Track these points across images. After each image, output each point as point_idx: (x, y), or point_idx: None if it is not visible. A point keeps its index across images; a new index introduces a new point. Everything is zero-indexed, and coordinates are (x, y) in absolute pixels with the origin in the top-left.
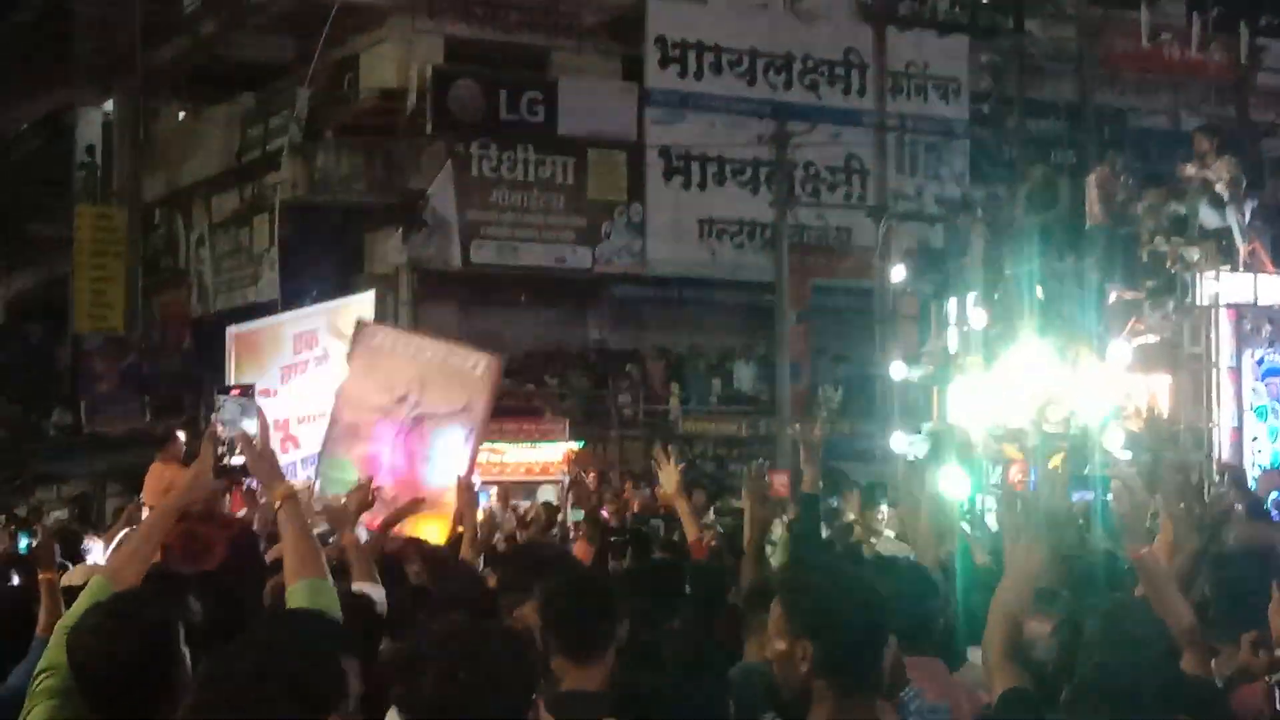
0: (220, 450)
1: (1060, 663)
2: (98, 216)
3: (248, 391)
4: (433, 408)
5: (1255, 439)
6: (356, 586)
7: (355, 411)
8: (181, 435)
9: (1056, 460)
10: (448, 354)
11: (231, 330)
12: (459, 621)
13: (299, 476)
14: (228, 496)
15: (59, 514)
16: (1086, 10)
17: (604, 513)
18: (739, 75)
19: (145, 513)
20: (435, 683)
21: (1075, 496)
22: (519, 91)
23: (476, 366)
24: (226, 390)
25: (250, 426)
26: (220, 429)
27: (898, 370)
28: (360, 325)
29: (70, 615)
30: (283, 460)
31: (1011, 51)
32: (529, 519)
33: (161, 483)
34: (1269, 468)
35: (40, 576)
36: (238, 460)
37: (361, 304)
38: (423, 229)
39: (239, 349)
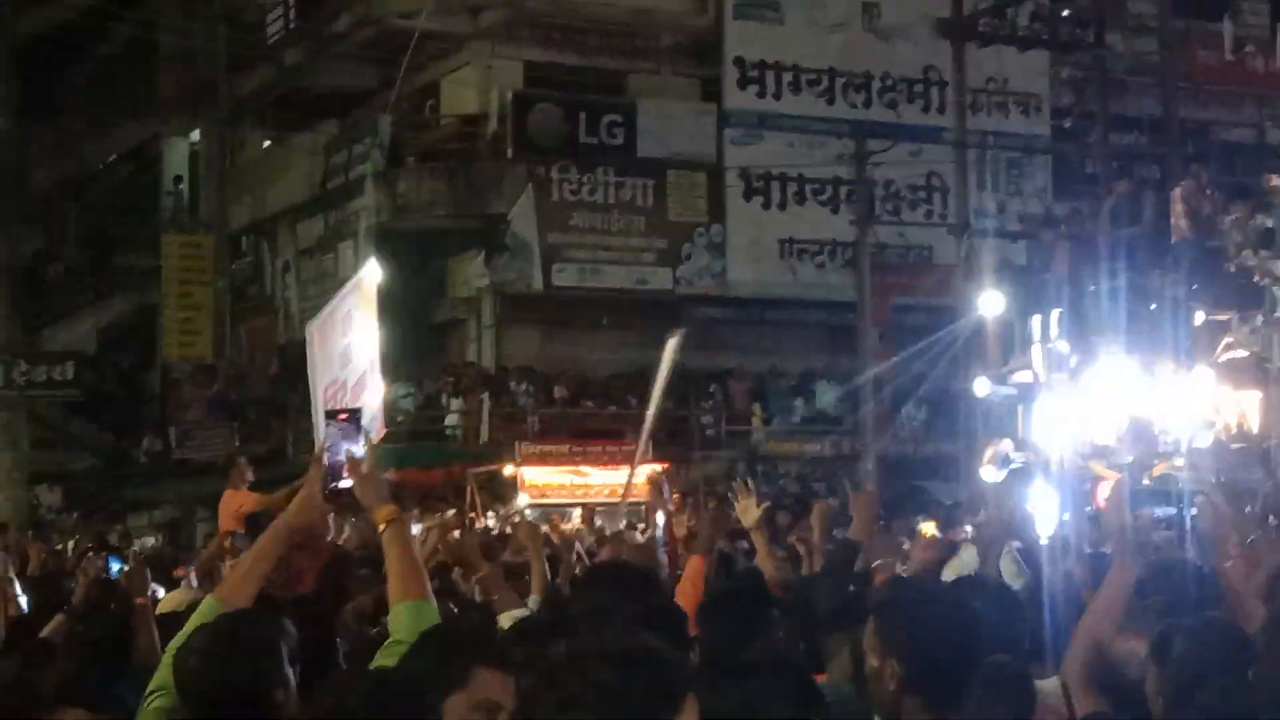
0: (325, 473)
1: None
2: (185, 245)
3: (353, 416)
4: None
5: None
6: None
7: None
8: (244, 461)
9: (1111, 475)
10: None
11: (311, 326)
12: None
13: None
14: (331, 518)
15: (149, 540)
16: (1169, 22)
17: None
18: (818, 94)
19: (228, 542)
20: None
21: (1159, 512)
22: (598, 114)
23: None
24: (333, 415)
25: (356, 450)
26: (326, 453)
27: (982, 387)
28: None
29: (180, 636)
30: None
31: (1093, 66)
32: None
33: (233, 509)
34: None
35: (135, 602)
36: (345, 483)
37: (371, 270)
38: (504, 252)
39: (313, 344)
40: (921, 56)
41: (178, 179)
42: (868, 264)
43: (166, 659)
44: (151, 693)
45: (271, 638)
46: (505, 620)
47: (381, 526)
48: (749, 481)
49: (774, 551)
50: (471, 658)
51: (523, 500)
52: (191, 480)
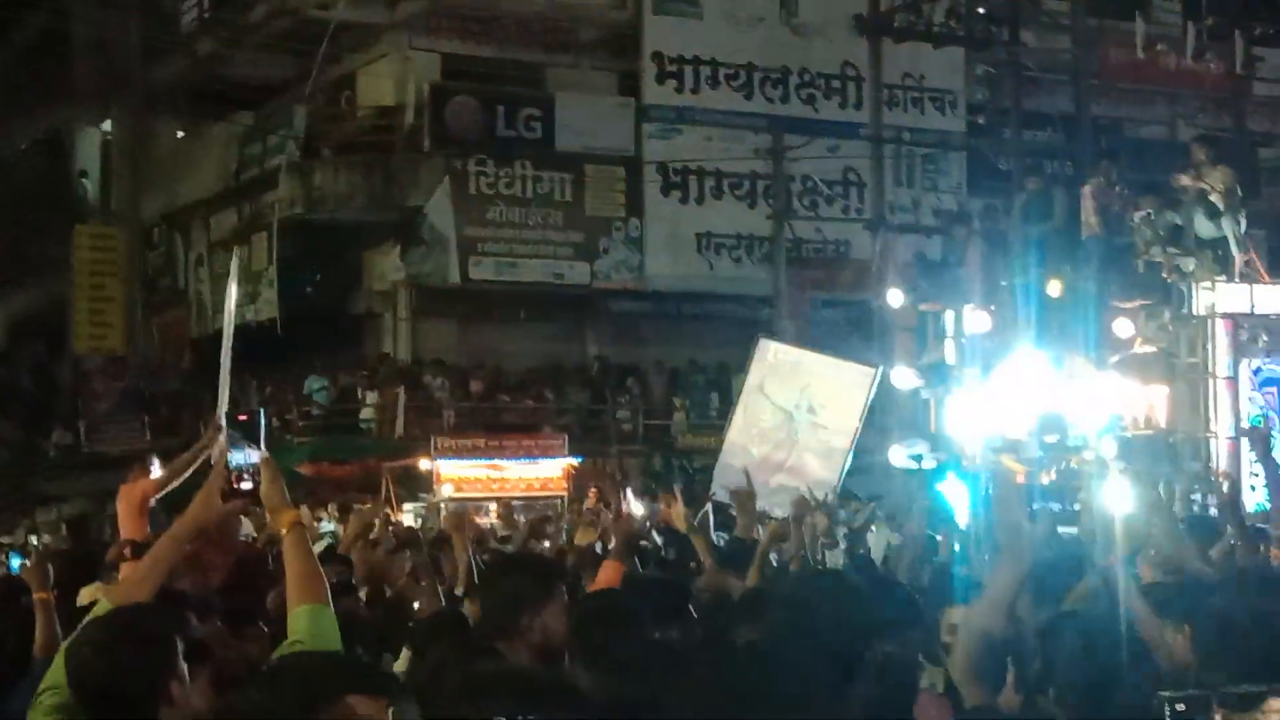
0: (228, 474)
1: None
2: (96, 236)
3: (253, 418)
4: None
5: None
6: None
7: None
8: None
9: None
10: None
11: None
12: None
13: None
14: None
15: (47, 538)
16: (1082, 20)
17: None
18: (736, 89)
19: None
20: None
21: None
22: (516, 108)
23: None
24: (234, 418)
25: (255, 454)
26: (228, 454)
27: (901, 379)
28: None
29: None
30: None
31: (1006, 63)
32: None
33: (134, 500)
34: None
35: (35, 597)
36: (247, 485)
37: (262, 240)
38: (421, 246)
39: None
40: (839, 52)
41: (83, 173)
42: (784, 258)
43: (59, 657)
44: (43, 690)
45: (165, 631)
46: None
47: (284, 530)
48: (675, 488)
49: (713, 553)
50: (340, 687)
51: (447, 490)
52: (102, 474)
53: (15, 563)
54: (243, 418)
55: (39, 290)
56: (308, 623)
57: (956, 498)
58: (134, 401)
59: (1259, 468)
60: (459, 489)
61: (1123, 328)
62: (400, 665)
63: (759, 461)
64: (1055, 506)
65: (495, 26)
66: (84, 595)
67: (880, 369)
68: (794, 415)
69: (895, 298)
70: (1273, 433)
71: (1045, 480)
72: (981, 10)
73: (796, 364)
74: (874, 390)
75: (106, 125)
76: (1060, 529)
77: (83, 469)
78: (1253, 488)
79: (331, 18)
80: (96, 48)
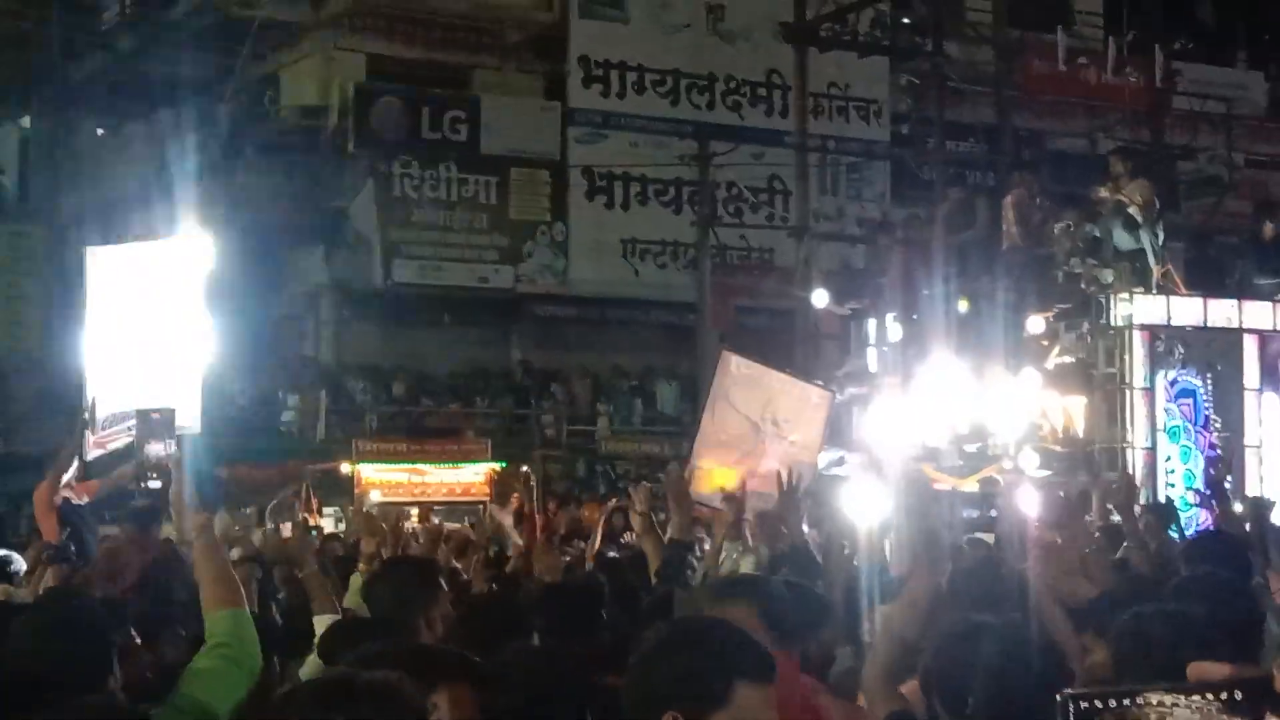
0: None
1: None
2: (13, 235)
3: (165, 415)
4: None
5: (1169, 459)
6: None
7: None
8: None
9: (933, 475)
10: (789, 385)
11: (90, 249)
12: None
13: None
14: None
15: None
16: (1004, 32)
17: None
18: (662, 95)
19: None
20: None
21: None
22: (441, 109)
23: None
24: (147, 413)
25: (164, 449)
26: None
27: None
28: (722, 356)
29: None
30: (126, 399)
31: (930, 73)
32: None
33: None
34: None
35: None
36: (154, 484)
37: (196, 246)
38: (344, 248)
39: (97, 270)
40: (765, 60)
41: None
42: (709, 265)
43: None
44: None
45: (105, 623)
46: (319, 624)
47: (194, 534)
48: (643, 487)
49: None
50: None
51: (375, 496)
52: (20, 475)
53: None
54: (156, 415)
55: None
56: (230, 625)
57: (868, 503)
58: (51, 402)
59: (1174, 479)
60: (384, 494)
61: (1035, 324)
62: (308, 671)
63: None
64: (974, 513)
65: (421, 27)
66: None
67: (835, 394)
68: (760, 427)
69: (820, 298)
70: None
71: (964, 488)
72: (906, 21)
73: (758, 379)
74: (830, 413)
75: (25, 122)
76: (978, 535)
77: (0, 470)
78: (1170, 485)
79: (255, 16)
80: (15, 42)
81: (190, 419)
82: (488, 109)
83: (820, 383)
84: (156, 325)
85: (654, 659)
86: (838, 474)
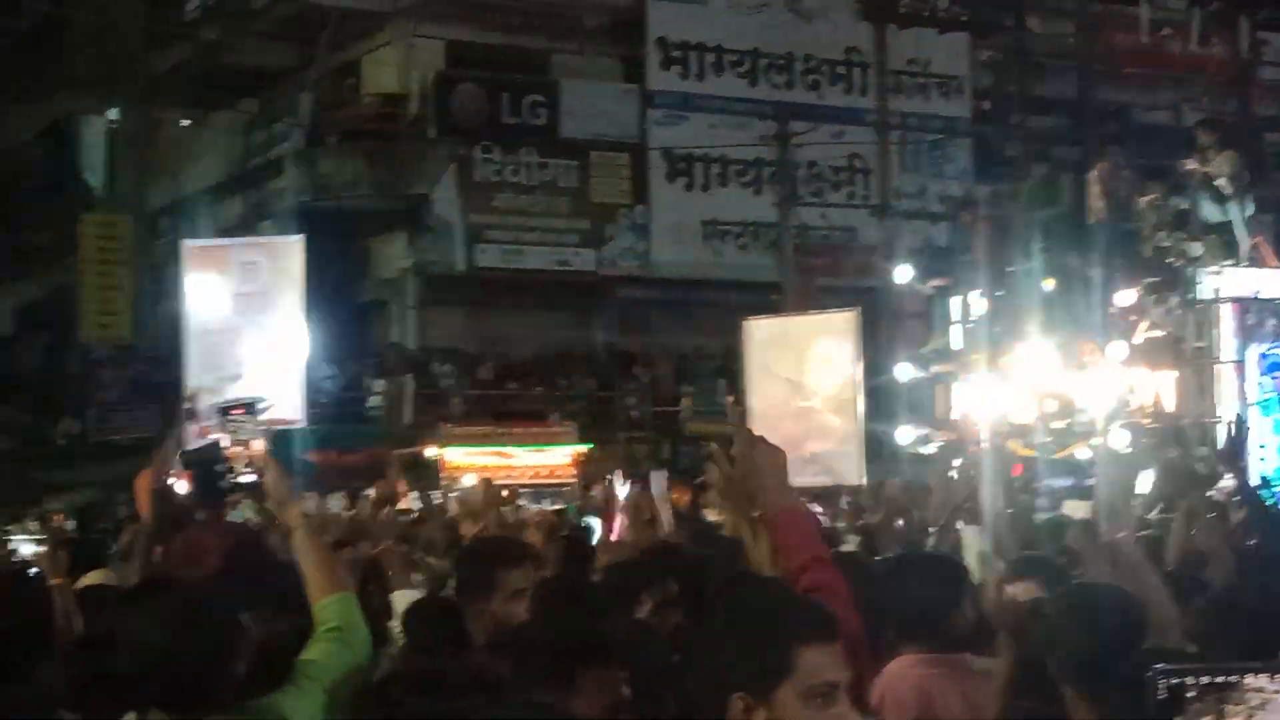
0: (221, 468)
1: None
2: (102, 225)
3: (248, 409)
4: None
5: (1260, 433)
6: None
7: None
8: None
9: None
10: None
11: (187, 243)
12: None
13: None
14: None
15: (55, 526)
16: (1087, 5)
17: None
18: (740, 75)
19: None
20: None
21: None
22: (521, 94)
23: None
24: (227, 409)
25: (257, 444)
26: (226, 444)
27: (903, 371)
28: (744, 328)
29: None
30: (235, 396)
31: (1012, 48)
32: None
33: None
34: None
35: (50, 583)
36: (246, 478)
37: (292, 247)
38: (427, 233)
39: (194, 265)
40: (844, 38)
41: (75, 168)
42: (790, 245)
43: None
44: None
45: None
46: (399, 599)
47: (294, 526)
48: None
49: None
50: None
51: (468, 480)
52: (110, 463)
53: (25, 550)
54: (238, 411)
55: (45, 280)
56: (338, 609)
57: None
58: (142, 389)
59: (1267, 453)
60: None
61: (1123, 299)
62: (394, 649)
63: (783, 439)
64: (1066, 482)
65: (500, 13)
66: (88, 580)
67: (859, 310)
68: (802, 383)
69: (904, 273)
70: None
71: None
72: None
73: (783, 330)
74: (859, 332)
75: (111, 114)
76: (1072, 504)
77: (91, 458)
78: (1262, 459)
79: (336, 4)
80: (100, 35)
81: (294, 411)
82: (567, 93)
83: (840, 310)
84: (258, 320)
85: (709, 643)
86: (921, 452)
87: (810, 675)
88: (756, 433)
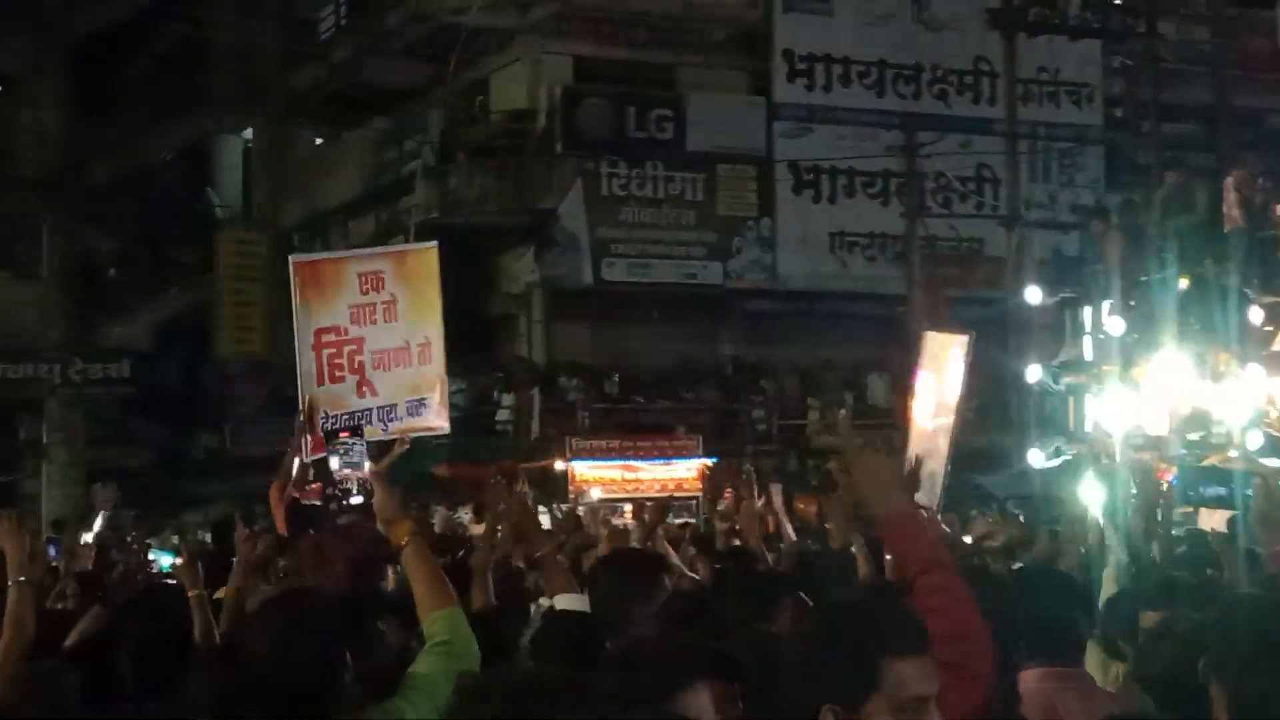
0: (332, 490)
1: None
2: (239, 242)
3: (357, 432)
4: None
5: None
6: None
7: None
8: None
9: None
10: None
11: (294, 258)
12: None
13: (374, 424)
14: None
15: (193, 538)
16: (1221, 11)
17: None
18: (867, 86)
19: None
20: None
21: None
22: (647, 109)
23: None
24: (335, 433)
25: (365, 468)
26: (335, 467)
27: (1033, 373)
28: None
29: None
30: (359, 405)
31: (1144, 55)
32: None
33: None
34: None
35: (190, 594)
36: (356, 500)
37: (425, 254)
38: (554, 247)
39: (303, 279)
40: (972, 47)
41: (206, 185)
42: (917, 256)
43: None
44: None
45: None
46: (560, 603)
47: (404, 541)
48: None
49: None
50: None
51: (595, 494)
52: (247, 476)
53: (165, 562)
54: (345, 435)
55: (184, 296)
56: (447, 624)
57: (1092, 497)
58: (278, 404)
59: None
60: (604, 491)
61: (1256, 315)
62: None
63: (920, 454)
64: (1208, 490)
65: (626, 28)
66: (223, 593)
67: (972, 335)
68: (941, 401)
69: (1034, 294)
70: None
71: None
72: (1118, 1)
73: (927, 344)
74: (970, 357)
75: (247, 133)
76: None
77: (228, 471)
78: None
79: (465, 23)
80: (237, 56)
81: (437, 418)
82: (693, 107)
83: (956, 330)
84: (385, 329)
85: (799, 655)
86: (1053, 464)
87: (900, 688)
88: (910, 447)
